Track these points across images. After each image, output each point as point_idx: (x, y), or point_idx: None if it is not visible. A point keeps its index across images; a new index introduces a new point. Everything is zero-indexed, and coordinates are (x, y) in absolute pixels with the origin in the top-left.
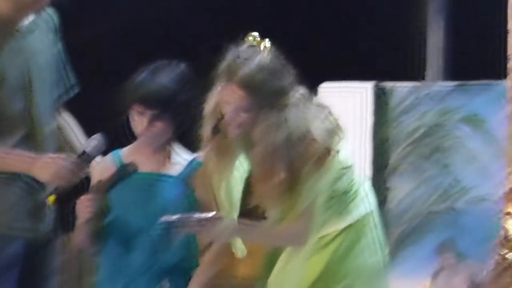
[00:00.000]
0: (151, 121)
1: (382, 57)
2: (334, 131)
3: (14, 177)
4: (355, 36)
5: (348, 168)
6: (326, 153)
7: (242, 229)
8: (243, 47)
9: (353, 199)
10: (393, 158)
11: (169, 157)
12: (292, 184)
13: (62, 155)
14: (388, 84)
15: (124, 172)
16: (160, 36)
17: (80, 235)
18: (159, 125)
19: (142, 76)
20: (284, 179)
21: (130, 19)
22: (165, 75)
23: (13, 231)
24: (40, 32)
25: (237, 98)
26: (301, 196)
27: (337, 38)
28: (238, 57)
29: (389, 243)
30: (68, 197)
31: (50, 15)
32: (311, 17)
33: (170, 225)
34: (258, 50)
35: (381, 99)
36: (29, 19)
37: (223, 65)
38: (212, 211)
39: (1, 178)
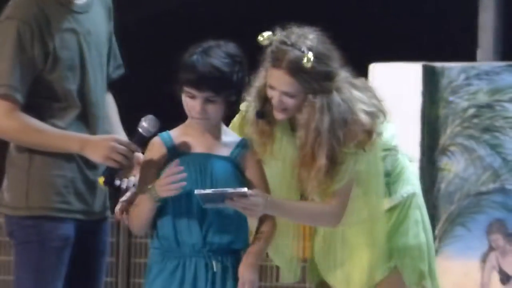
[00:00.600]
0: (204, 105)
1: (432, 36)
2: (377, 114)
3: (68, 158)
4: (406, 16)
5: (391, 149)
6: (368, 135)
7: (274, 205)
8: (290, 31)
9: (396, 180)
10: (443, 138)
11: (219, 137)
12: (332, 167)
13: (114, 136)
14: (439, 64)
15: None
16: (207, 17)
17: (143, 214)
18: (211, 108)
19: (193, 58)
20: (325, 163)
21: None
22: (216, 56)
23: (65, 213)
24: (94, 12)
25: (283, 83)
26: (338, 176)
27: (388, 18)
28: (286, 41)
29: (439, 224)
30: (119, 177)
31: None
32: None
33: (204, 198)
34: (305, 35)
35: (431, 79)
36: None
37: (270, 49)
38: (263, 191)
39: (55, 160)
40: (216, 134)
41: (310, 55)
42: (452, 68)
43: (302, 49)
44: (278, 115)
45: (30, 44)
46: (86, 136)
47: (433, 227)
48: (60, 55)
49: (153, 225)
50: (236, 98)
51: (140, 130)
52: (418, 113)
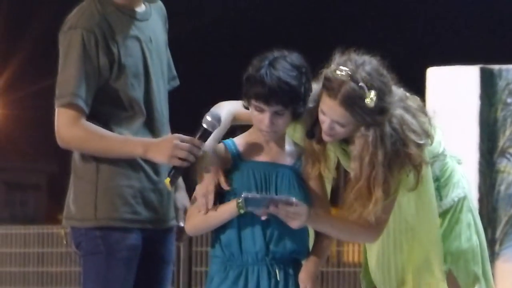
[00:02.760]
0: (273, 118)
1: (490, 39)
2: (427, 143)
3: (135, 168)
4: (462, 19)
5: (439, 155)
6: (417, 170)
7: (317, 218)
8: (348, 57)
9: (446, 185)
10: (502, 140)
11: (283, 147)
12: (386, 197)
13: (176, 134)
14: (496, 67)
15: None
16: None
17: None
18: (280, 120)
19: (261, 72)
20: (381, 196)
21: (231, 10)
22: (283, 69)
23: (133, 223)
24: (153, 20)
25: (336, 113)
26: (389, 204)
27: (445, 22)
28: (343, 71)
29: (499, 227)
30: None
31: (160, 4)
32: (417, 3)
33: (249, 201)
34: (363, 64)
35: (489, 82)
36: (142, 7)
37: (325, 73)
38: (324, 203)
39: (122, 170)
40: (280, 144)
41: (373, 94)
42: (510, 70)
43: (360, 84)
44: (326, 138)
45: (95, 53)
46: (147, 139)
47: (493, 230)
48: (125, 62)
49: (216, 233)
50: (304, 109)
51: (204, 125)
52: (476, 116)
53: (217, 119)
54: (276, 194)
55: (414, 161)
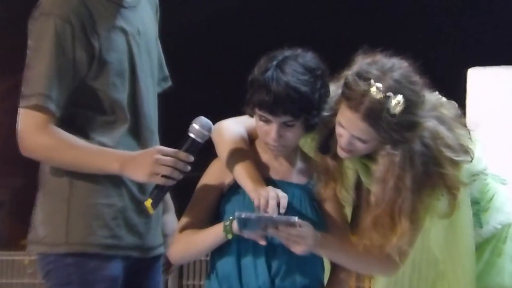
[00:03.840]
0: (281, 130)
1: None
2: (465, 160)
3: (116, 183)
4: (504, 20)
5: (479, 174)
6: (453, 194)
7: (327, 243)
8: (372, 61)
9: (487, 210)
10: None
11: (295, 162)
12: (413, 228)
13: (157, 147)
14: None
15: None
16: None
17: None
18: (289, 133)
19: (266, 75)
20: (408, 228)
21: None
22: (293, 73)
23: (113, 249)
24: (142, 9)
25: (357, 129)
26: (415, 234)
27: (485, 23)
28: (366, 77)
29: None
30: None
31: None
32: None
33: (243, 222)
34: (390, 70)
35: None
36: None
37: (348, 79)
38: (342, 228)
39: (100, 186)
40: (292, 159)
41: (402, 107)
42: None
43: (387, 94)
44: (343, 155)
45: (71, 45)
46: (124, 152)
47: None
48: (107, 58)
49: (212, 262)
50: (318, 119)
51: (191, 134)
52: None
53: (207, 128)
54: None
55: (450, 183)
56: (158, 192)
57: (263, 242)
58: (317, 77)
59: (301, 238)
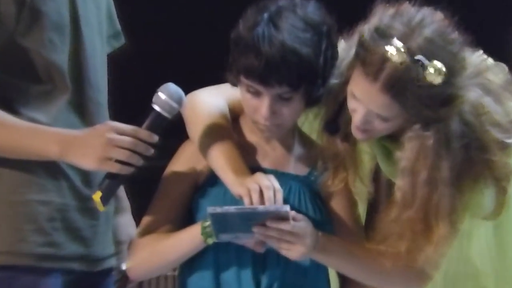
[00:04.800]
0: (274, 105)
1: None
2: None
3: (53, 174)
4: None
5: None
6: (503, 185)
7: (331, 245)
8: (398, 13)
9: None
10: None
11: (292, 147)
12: (452, 232)
13: (110, 123)
14: None
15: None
16: None
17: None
18: (285, 109)
19: (256, 32)
20: (448, 231)
21: None
22: (290, 29)
23: (50, 261)
24: None
25: (376, 103)
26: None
27: None
28: (388, 35)
29: None
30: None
31: None
32: None
33: (219, 220)
34: (419, 24)
35: None
36: None
37: (364, 37)
38: (354, 232)
39: (32, 177)
40: (288, 142)
41: (437, 74)
42: None
43: (416, 57)
44: (358, 135)
45: None
46: (66, 131)
47: None
48: (40, 6)
49: (182, 276)
50: (323, 90)
51: (155, 107)
52: None
53: (177, 98)
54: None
55: (498, 173)
56: (111, 183)
57: (259, 249)
58: (322, 34)
59: (296, 237)
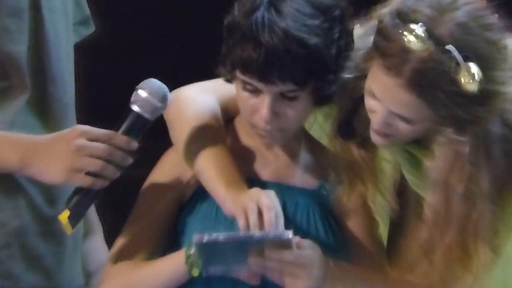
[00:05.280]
0: (276, 105)
1: None
2: None
3: (9, 189)
4: None
5: None
6: None
7: (343, 273)
8: (427, 0)
9: None
10: None
11: (298, 155)
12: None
13: (80, 127)
14: None
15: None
16: None
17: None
18: (289, 110)
19: (254, 18)
20: (489, 257)
21: None
22: (295, 14)
23: None
24: None
25: (397, 101)
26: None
27: None
28: (415, 23)
29: None
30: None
31: None
32: None
33: (206, 250)
34: (450, 7)
35: None
36: None
37: (384, 23)
38: (371, 254)
39: None
40: (293, 149)
41: (473, 69)
42: None
43: (447, 47)
44: (377, 140)
45: None
46: (27, 138)
47: None
48: None
49: None
50: (335, 86)
51: (135, 107)
52: None
53: (160, 96)
54: None
55: None
56: (81, 200)
57: (254, 281)
58: (334, 20)
59: (300, 268)
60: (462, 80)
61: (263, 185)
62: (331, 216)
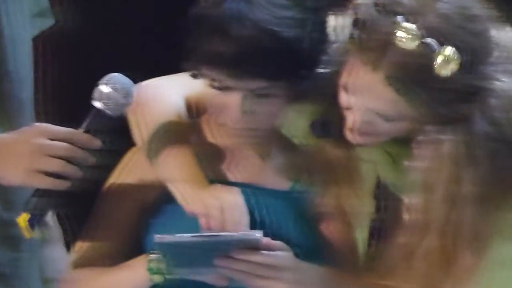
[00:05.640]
0: (248, 104)
1: None
2: None
3: None
4: None
5: None
6: None
7: (318, 279)
8: None
9: None
10: None
11: (268, 156)
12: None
13: (40, 125)
14: None
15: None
16: None
17: None
18: (262, 108)
19: (222, 8)
20: (473, 263)
21: None
22: (268, 5)
23: None
24: None
25: (376, 96)
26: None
27: None
28: (394, 14)
29: None
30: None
31: None
32: None
33: (170, 252)
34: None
35: None
36: None
37: (361, 12)
38: (350, 260)
39: None
40: (265, 149)
41: (451, 67)
42: None
43: (427, 40)
44: (354, 138)
45: None
46: None
47: None
48: None
49: None
50: (311, 83)
51: (97, 103)
52: None
53: (125, 91)
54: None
55: None
56: (41, 202)
57: (222, 282)
58: (307, 10)
59: (271, 271)
60: (435, 63)
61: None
62: (304, 218)
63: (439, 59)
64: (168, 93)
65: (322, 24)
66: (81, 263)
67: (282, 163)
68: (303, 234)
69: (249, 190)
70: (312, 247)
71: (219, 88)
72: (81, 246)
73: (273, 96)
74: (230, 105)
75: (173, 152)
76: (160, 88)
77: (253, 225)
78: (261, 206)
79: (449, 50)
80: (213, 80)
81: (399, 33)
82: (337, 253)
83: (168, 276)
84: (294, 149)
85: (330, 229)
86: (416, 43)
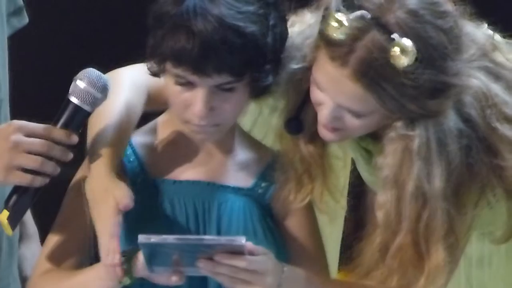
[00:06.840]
0: (211, 99)
1: None
2: None
3: None
4: None
5: None
6: None
7: (299, 282)
8: None
9: None
10: None
11: (232, 151)
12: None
13: (16, 122)
14: None
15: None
16: None
17: None
18: (225, 104)
19: (185, 4)
20: (443, 259)
21: None
22: (231, 0)
23: None
24: None
25: (345, 93)
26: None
27: None
28: (360, 10)
29: None
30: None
31: None
32: None
33: (152, 253)
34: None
35: None
36: None
37: (329, 10)
38: (314, 258)
39: None
40: (227, 146)
41: (406, 58)
42: None
43: (394, 36)
44: (326, 136)
45: None
46: None
47: None
48: None
49: None
50: (272, 78)
51: (73, 99)
52: None
53: (101, 86)
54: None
55: (509, 182)
56: (20, 199)
57: (176, 279)
58: (269, 6)
59: (253, 275)
60: (392, 53)
61: (195, 184)
62: (268, 215)
63: (396, 49)
64: (130, 88)
65: (283, 19)
66: (48, 265)
67: (245, 159)
68: (267, 230)
69: (211, 188)
70: (276, 244)
71: (184, 85)
72: (48, 248)
73: (237, 91)
74: (195, 101)
75: (102, 143)
76: (124, 81)
77: (219, 224)
78: (225, 204)
79: (405, 41)
80: (177, 77)
81: (366, 29)
82: (301, 250)
83: (149, 272)
84: (256, 145)
85: (293, 225)
86: (383, 38)
